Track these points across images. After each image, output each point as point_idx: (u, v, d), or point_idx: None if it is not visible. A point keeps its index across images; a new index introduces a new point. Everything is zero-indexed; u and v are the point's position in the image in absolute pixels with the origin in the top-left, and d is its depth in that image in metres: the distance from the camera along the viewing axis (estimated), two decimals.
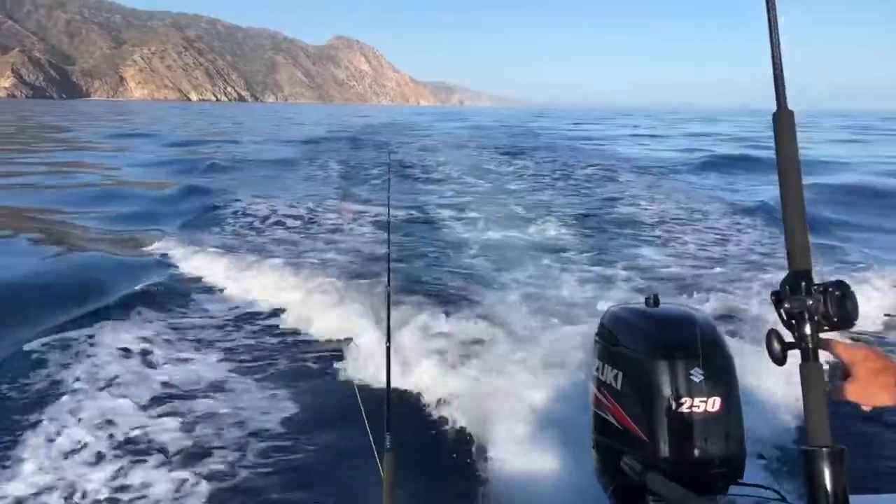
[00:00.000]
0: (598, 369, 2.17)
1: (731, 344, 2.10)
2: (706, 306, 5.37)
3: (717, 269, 7.22)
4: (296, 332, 5.50)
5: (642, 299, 2.20)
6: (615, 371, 2.10)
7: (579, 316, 5.22)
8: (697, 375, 1.95)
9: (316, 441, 3.81)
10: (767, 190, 13.44)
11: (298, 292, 6.13)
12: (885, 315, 5.54)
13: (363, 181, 15.25)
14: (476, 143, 29.04)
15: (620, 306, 2.26)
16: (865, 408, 1.28)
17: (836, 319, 1.28)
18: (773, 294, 1.35)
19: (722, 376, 1.95)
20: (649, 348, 2.02)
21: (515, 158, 21.24)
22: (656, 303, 2.16)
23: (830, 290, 1.28)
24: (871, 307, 5.65)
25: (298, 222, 10.13)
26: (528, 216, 10.77)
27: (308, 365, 4.88)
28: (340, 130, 37.06)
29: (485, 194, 13.64)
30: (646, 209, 11.62)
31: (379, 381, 2.66)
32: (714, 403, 1.91)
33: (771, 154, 1.37)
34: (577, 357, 3.88)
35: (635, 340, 2.07)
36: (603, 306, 2.37)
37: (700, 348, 1.95)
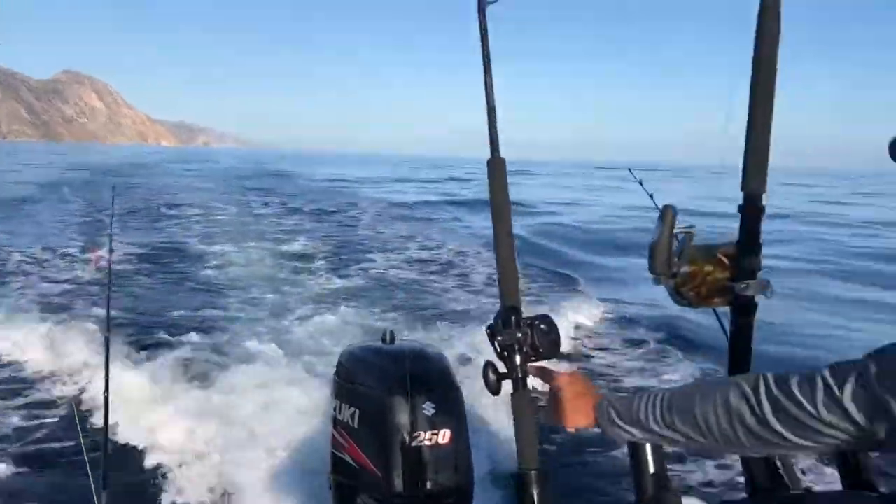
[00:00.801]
0: (336, 409, 2.15)
1: (472, 372, 2.22)
2: (444, 341, 5.62)
3: (457, 304, 7.64)
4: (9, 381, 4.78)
5: (380, 336, 2.24)
6: (352, 409, 2.09)
7: (323, 353, 5.14)
8: (429, 409, 2.02)
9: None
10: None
11: (6, 343, 5.34)
12: (587, 337, 6.35)
13: (88, 223, 13.75)
14: (216, 183, 28.06)
15: (358, 345, 2.28)
16: (570, 430, 1.40)
17: (541, 350, 1.40)
18: (487, 328, 1.44)
19: (452, 409, 2.04)
20: (384, 384, 2.05)
21: (255, 197, 20.89)
22: (392, 340, 2.21)
23: (537, 323, 1.40)
24: (582, 332, 6.45)
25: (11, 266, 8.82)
26: (274, 255, 10.51)
27: (23, 417, 4.25)
28: (67, 170, 33.33)
29: (226, 230, 13.12)
30: (388, 247, 11.98)
31: (100, 432, 2.39)
32: (444, 436, 1.99)
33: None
34: (319, 397, 3.82)
35: (371, 377, 2.10)
36: (341, 346, 2.38)
37: (431, 383, 2.03)
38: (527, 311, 1.45)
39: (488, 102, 1.44)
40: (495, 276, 1.47)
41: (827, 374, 1.04)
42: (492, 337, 1.42)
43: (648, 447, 1.37)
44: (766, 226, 1.40)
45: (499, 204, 1.45)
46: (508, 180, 1.47)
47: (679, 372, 5.53)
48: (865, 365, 1.01)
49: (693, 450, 1.25)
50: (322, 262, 10.08)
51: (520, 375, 1.39)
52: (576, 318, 6.68)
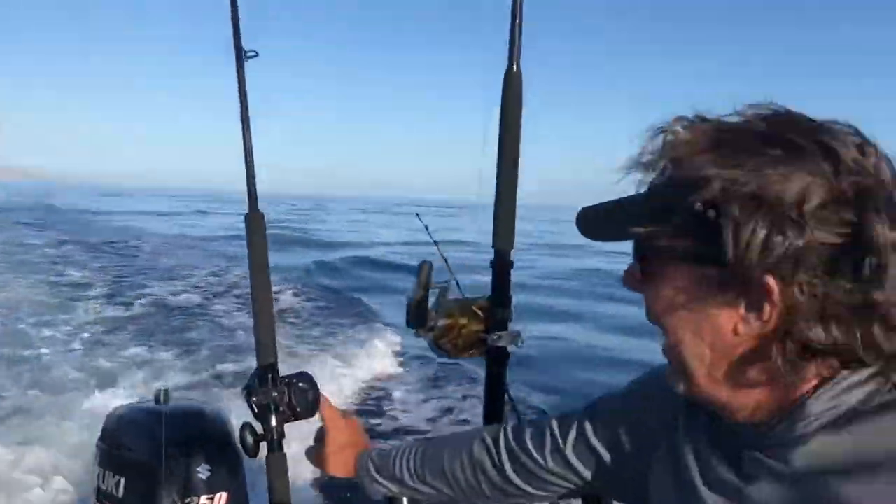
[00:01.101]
0: (99, 477, 1.97)
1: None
2: (228, 398, 5.28)
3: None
4: None
5: (152, 396, 2.08)
6: (117, 478, 1.93)
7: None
8: (204, 472, 1.91)
9: None
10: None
11: None
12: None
13: None
14: None
15: (127, 406, 2.11)
16: (328, 475, 1.37)
17: (299, 410, 1.37)
18: (243, 388, 1.39)
19: (230, 470, 1.94)
20: (154, 449, 1.91)
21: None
22: (166, 399, 2.07)
23: (295, 381, 1.37)
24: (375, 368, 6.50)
25: None
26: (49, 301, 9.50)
27: None
28: None
29: None
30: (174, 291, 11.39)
31: None
32: (221, 499, 1.89)
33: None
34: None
35: (139, 441, 1.95)
36: (107, 408, 2.18)
37: (206, 443, 1.92)
38: (295, 365, 1.42)
39: (246, 156, 1.41)
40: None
41: (554, 424, 1.09)
42: (248, 397, 1.37)
43: (405, 501, 1.37)
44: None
45: (257, 260, 1.41)
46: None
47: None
48: (583, 415, 1.07)
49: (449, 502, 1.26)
50: (98, 291, 9.40)
51: (275, 437, 1.35)
52: (370, 362, 6.77)
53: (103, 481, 1.96)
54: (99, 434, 2.04)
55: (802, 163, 0.67)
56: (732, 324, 0.71)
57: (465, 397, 6.04)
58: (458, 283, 1.71)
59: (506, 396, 1.51)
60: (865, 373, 0.70)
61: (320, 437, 1.39)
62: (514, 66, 1.45)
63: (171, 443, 1.92)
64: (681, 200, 0.70)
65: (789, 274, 0.66)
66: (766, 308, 0.68)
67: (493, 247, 1.49)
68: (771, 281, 0.66)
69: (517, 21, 1.44)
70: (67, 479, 3.48)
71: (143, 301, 9.11)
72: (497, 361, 1.49)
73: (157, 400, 2.07)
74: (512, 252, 1.49)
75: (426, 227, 2.02)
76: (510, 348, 1.49)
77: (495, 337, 1.45)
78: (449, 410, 5.80)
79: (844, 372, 0.70)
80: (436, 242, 1.92)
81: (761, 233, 0.65)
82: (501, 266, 1.48)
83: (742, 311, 0.70)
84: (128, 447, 1.97)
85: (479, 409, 1.54)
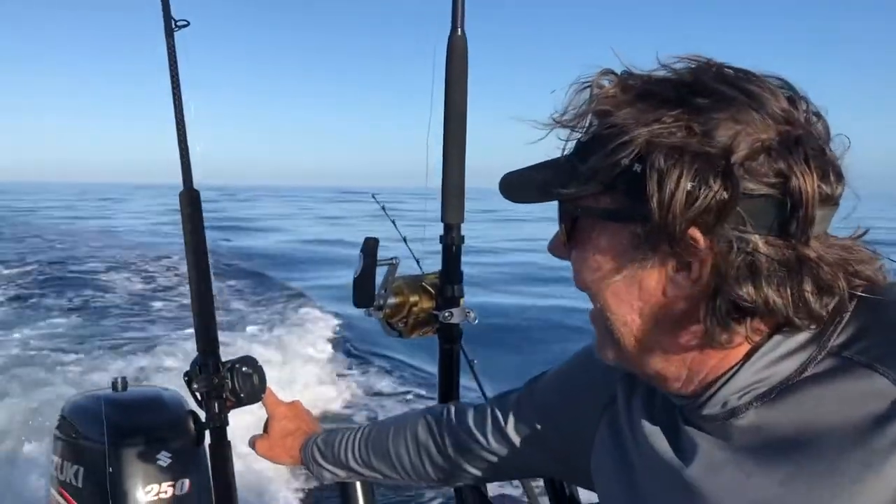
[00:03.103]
0: (57, 468, 1.93)
1: None
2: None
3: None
4: None
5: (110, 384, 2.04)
6: (75, 467, 1.89)
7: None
8: (164, 459, 1.87)
9: None
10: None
11: None
12: None
13: None
14: None
15: (84, 394, 2.07)
16: (273, 464, 1.34)
17: (243, 395, 1.32)
18: (185, 375, 1.34)
19: (191, 456, 1.90)
20: (112, 436, 1.87)
21: None
22: (124, 386, 2.02)
23: (238, 366, 1.32)
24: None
25: None
26: None
27: None
28: None
29: None
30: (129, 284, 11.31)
31: None
32: (183, 486, 1.85)
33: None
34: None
35: (97, 430, 1.91)
36: (63, 397, 2.14)
37: (167, 430, 1.88)
38: (234, 351, 1.37)
39: (179, 130, 1.34)
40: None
41: (494, 404, 1.06)
42: (188, 384, 1.32)
43: (358, 485, 1.34)
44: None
45: (193, 240, 1.35)
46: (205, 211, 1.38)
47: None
48: (522, 394, 1.04)
49: (395, 484, 1.23)
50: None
51: (217, 425, 1.30)
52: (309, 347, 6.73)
53: (62, 471, 1.93)
54: (56, 423, 2.00)
55: (729, 112, 0.63)
56: (661, 285, 0.68)
57: (421, 377, 6.03)
58: (418, 262, 1.66)
59: (460, 374, 1.47)
60: (798, 339, 0.67)
61: (266, 424, 1.35)
62: (459, 30, 1.39)
63: (130, 430, 1.87)
64: (606, 156, 0.66)
65: (715, 227, 0.63)
66: (695, 266, 0.65)
67: (441, 220, 1.43)
68: (697, 234, 0.63)
69: None
70: None
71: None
72: (450, 339, 1.45)
73: (114, 388, 2.02)
74: (462, 227, 1.43)
75: (383, 208, 1.97)
76: (463, 325, 1.45)
77: (447, 314, 1.40)
78: (404, 393, 5.79)
79: (777, 337, 0.67)
80: (393, 221, 1.88)
81: (687, 184, 0.62)
82: (451, 240, 1.42)
83: (670, 269, 0.67)
84: (85, 436, 1.93)
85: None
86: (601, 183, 0.68)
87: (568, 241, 0.75)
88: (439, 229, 1.44)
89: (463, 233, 1.43)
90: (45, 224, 23.39)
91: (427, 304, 1.42)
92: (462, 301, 1.43)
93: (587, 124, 0.71)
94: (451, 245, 1.42)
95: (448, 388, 1.44)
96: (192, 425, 1.31)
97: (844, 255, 0.66)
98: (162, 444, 1.87)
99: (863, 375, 0.63)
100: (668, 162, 0.62)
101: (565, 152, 0.74)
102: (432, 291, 1.42)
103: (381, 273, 1.37)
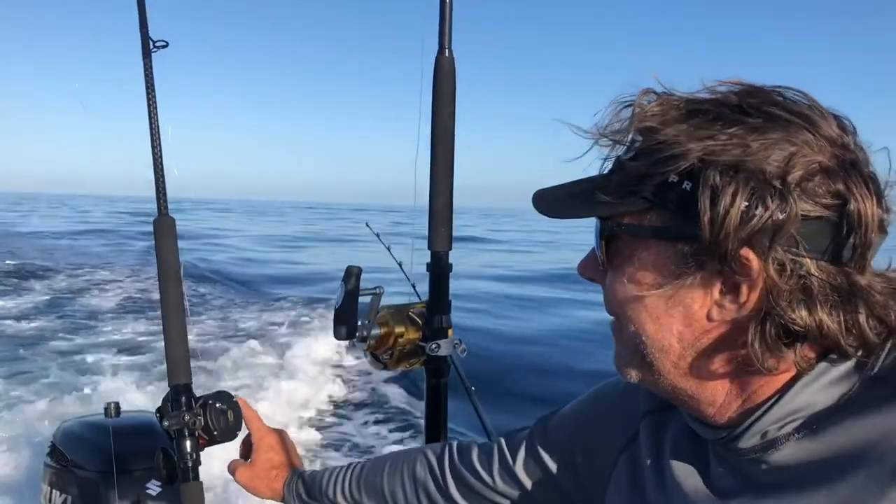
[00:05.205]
0: (45, 497, 1.89)
1: None
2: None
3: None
4: None
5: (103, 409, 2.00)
6: (64, 496, 1.85)
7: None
8: (154, 488, 1.82)
9: None
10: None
11: None
12: None
13: None
14: None
15: (76, 419, 2.03)
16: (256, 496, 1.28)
17: (216, 433, 1.26)
18: (157, 411, 1.28)
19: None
20: (102, 464, 1.82)
21: None
22: (117, 412, 1.98)
23: (211, 402, 1.26)
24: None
25: None
26: None
27: None
28: None
29: None
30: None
31: None
32: None
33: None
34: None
35: (87, 457, 1.87)
36: (55, 423, 2.09)
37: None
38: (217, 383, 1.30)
39: (155, 156, 1.29)
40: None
41: (503, 442, 1.02)
42: (160, 420, 1.26)
43: None
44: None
45: (167, 268, 1.29)
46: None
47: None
48: (533, 432, 1.00)
49: None
50: None
51: (189, 465, 1.24)
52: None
53: (50, 500, 1.89)
54: (47, 450, 1.96)
55: (785, 132, 0.61)
56: (705, 309, 0.65)
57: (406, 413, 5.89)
58: (414, 287, 1.59)
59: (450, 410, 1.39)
60: (843, 367, 0.63)
61: (245, 453, 1.29)
62: (446, 51, 1.33)
63: (121, 457, 1.83)
64: (653, 172, 0.63)
65: (769, 248, 0.60)
66: (744, 288, 0.62)
67: (428, 248, 1.36)
68: (750, 255, 0.60)
69: (447, 4, 1.32)
70: None
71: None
72: (437, 373, 1.37)
73: (106, 413, 1.98)
74: (450, 253, 1.36)
75: (378, 236, 1.91)
76: (451, 357, 1.37)
77: (434, 346, 1.32)
78: (391, 429, 5.63)
79: (822, 364, 0.64)
80: (388, 248, 1.81)
81: (741, 203, 0.59)
82: (438, 269, 1.35)
83: (717, 292, 0.64)
84: (76, 464, 1.89)
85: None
86: (647, 199, 0.65)
87: (606, 260, 0.71)
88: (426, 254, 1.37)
89: (451, 260, 1.36)
90: None
91: (413, 334, 1.35)
92: (450, 332, 1.35)
93: (629, 141, 0.68)
94: (439, 273, 1.35)
95: (434, 425, 1.36)
96: (162, 465, 1.25)
97: (888, 286, 0.64)
98: (152, 471, 1.83)
99: None
100: (722, 179, 0.60)
101: (603, 169, 0.71)
102: (419, 322, 1.35)
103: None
